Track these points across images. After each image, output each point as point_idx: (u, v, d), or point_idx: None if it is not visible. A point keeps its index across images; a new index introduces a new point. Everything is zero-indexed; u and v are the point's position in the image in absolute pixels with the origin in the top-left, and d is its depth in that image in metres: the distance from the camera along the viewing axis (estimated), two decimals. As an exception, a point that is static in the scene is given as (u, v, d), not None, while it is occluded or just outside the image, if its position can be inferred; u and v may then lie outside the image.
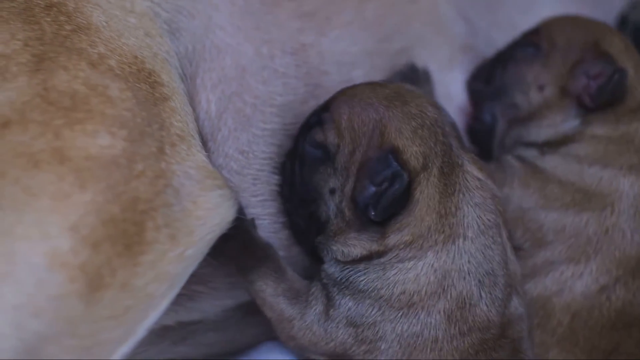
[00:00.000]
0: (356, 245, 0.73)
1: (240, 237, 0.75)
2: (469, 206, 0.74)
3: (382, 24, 0.88)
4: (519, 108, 0.88)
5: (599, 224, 0.82)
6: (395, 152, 0.73)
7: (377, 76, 0.87)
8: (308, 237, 0.78)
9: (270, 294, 0.75)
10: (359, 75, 0.86)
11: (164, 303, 0.67)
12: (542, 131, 0.87)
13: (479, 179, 0.75)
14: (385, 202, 0.71)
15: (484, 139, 0.90)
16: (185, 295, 0.79)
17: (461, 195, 0.74)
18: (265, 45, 0.82)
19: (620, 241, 0.81)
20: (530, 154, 0.87)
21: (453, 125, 0.78)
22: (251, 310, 0.80)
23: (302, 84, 0.84)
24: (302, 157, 0.78)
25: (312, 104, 0.83)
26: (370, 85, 0.80)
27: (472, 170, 0.76)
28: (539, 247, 0.82)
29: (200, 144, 0.74)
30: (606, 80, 0.84)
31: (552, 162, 0.85)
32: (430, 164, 0.74)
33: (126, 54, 0.72)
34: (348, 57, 0.86)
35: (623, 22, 1.05)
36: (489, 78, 0.91)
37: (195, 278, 0.77)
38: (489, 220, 0.74)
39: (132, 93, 0.69)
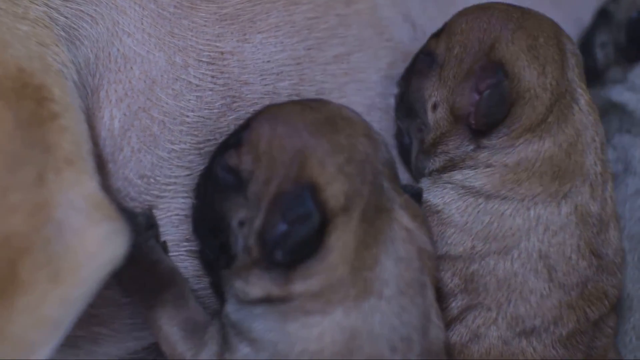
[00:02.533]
0: (257, 284, 0.69)
1: (143, 258, 0.71)
2: (390, 260, 0.69)
3: (314, 29, 0.85)
4: (426, 129, 0.83)
5: (506, 268, 0.77)
6: (313, 189, 0.68)
7: (306, 88, 0.84)
8: (216, 270, 0.74)
9: (166, 322, 0.72)
10: (285, 87, 0.83)
11: (47, 351, 0.63)
12: (438, 160, 0.82)
13: (407, 230, 0.71)
14: (292, 244, 0.66)
15: (406, 162, 0.86)
16: (85, 338, 0.75)
17: (383, 247, 0.70)
18: (179, 53, 0.79)
19: (534, 284, 0.77)
20: (425, 185, 0.82)
21: (389, 162, 0.73)
22: (160, 352, 0.75)
23: (218, 96, 0.80)
24: (213, 181, 0.74)
25: (230, 119, 0.81)
26: (300, 105, 0.75)
27: (401, 217, 0.71)
28: (451, 297, 0.78)
29: (95, 167, 0.69)
30: (488, 94, 0.77)
31: (446, 197, 0.80)
32: (352, 207, 0.69)
33: (10, 68, 0.68)
34: (273, 65, 0.83)
35: (604, 16, 1.00)
36: (403, 93, 0.86)
37: (95, 319, 0.75)
38: (411, 278, 0.70)
39: (12, 113, 0.66)
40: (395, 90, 0.88)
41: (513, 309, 0.76)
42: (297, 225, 0.67)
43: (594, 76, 1.00)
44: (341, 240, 0.68)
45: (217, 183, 0.73)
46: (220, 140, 0.78)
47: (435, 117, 0.81)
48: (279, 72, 0.82)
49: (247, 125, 0.74)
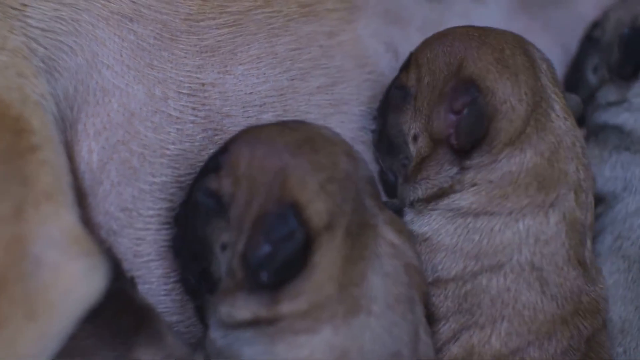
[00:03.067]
0: (243, 307, 0.68)
1: (117, 298, 0.71)
2: (378, 276, 0.69)
3: (297, 60, 0.85)
4: (410, 164, 0.83)
5: (499, 284, 0.77)
6: (295, 208, 0.68)
7: (287, 119, 0.83)
8: (199, 297, 0.74)
9: None
10: (268, 119, 0.83)
11: (24, 388, 0.62)
12: (419, 188, 0.81)
13: (393, 245, 0.71)
14: (277, 264, 0.66)
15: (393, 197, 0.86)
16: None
17: (369, 263, 0.70)
18: (158, 85, 0.78)
19: (527, 298, 0.76)
20: (409, 217, 0.81)
21: (370, 180, 0.74)
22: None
23: (199, 129, 0.80)
24: (194, 206, 0.74)
25: (212, 152, 0.80)
26: (279, 126, 0.76)
27: (386, 233, 0.71)
28: (444, 320, 0.78)
29: (74, 201, 0.69)
30: (467, 112, 0.77)
31: (434, 224, 0.79)
32: (335, 224, 0.69)
33: (-13, 99, 0.67)
34: (256, 97, 0.83)
35: (590, 42, 1.03)
36: (381, 130, 0.86)
37: (78, 352, 0.74)
38: (399, 293, 0.70)
39: (-10, 144, 0.65)
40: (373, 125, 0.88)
41: (507, 324, 0.76)
42: (281, 245, 0.67)
43: (589, 100, 1.02)
44: (326, 258, 0.68)
45: (198, 208, 0.73)
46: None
47: (417, 147, 0.82)
48: (261, 103, 0.82)
49: (225, 148, 0.75)
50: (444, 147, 0.79)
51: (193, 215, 0.74)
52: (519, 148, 0.78)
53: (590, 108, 0.98)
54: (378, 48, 0.90)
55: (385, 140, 0.85)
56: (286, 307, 0.67)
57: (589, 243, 0.80)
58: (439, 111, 0.79)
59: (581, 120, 0.91)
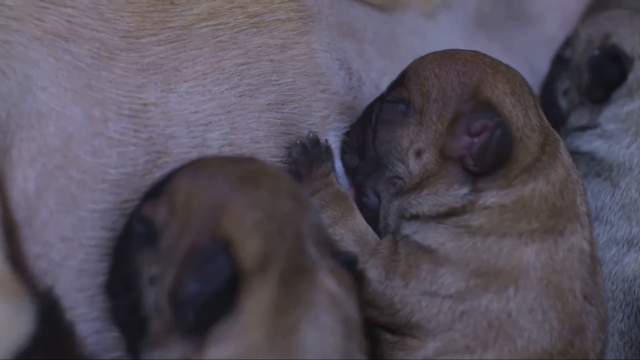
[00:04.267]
0: (174, 351, 0.66)
1: (47, 345, 0.68)
2: (312, 327, 0.66)
3: (245, 75, 0.83)
4: (403, 180, 0.82)
5: (500, 307, 0.76)
6: (227, 245, 0.65)
7: (239, 137, 0.82)
8: (132, 335, 0.71)
9: None
10: (215, 138, 0.81)
11: None
12: (425, 203, 0.80)
13: (331, 295, 0.68)
14: (202, 303, 0.64)
15: (373, 222, 0.85)
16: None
17: (303, 312, 0.66)
18: (97, 107, 0.77)
19: (525, 326, 0.75)
20: (412, 229, 0.80)
21: (317, 227, 0.71)
22: None
23: (142, 152, 0.78)
24: (127, 233, 0.72)
25: (157, 176, 0.78)
26: (224, 160, 0.75)
27: (326, 282, 0.68)
28: (430, 337, 0.77)
29: (3, 234, 0.65)
30: (489, 137, 0.77)
31: (440, 238, 0.79)
32: (269, 266, 0.66)
33: None
34: (201, 116, 0.80)
35: (561, 63, 1.01)
36: (362, 149, 0.84)
37: None
38: (336, 346, 0.67)
39: None
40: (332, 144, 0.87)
41: (497, 352, 0.75)
42: (208, 283, 0.64)
43: (560, 124, 1.00)
44: (256, 302, 0.65)
45: (130, 235, 0.71)
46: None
47: (422, 162, 0.81)
48: (207, 122, 0.80)
49: (168, 176, 0.73)
50: (456, 166, 0.79)
51: (126, 243, 0.72)
52: (533, 175, 0.79)
53: (562, 133, 0.96)
54: (332, 64, 0.88)
55: (371, 158, 0.84)
56: (213, 352, 0.64)
57: (600, 279, 0.80)
58: (455, 130, 0.79)
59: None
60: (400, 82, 0.84)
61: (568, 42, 1.01)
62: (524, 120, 0.80)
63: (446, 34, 1.01)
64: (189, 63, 0.81)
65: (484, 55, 0.85)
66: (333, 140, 0.88)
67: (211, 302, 0.64)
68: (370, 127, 0.84)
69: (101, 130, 0.77)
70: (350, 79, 0.90)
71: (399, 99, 0.83)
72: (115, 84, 0.78)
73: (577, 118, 0.97)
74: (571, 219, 0.80)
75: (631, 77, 0.93)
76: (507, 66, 0.84)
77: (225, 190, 0.69)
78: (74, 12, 0.78)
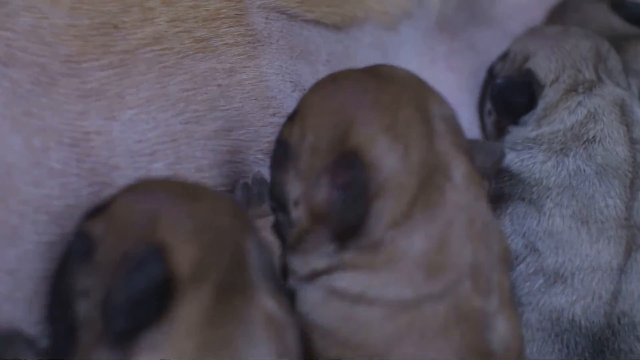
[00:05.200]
0: None
1: None
2: (246, 343, 0.65)
3: (191, 101, 0.82)
4: (292, 226, 0.77)
5: None
6: (160, 249, 0.64)
7: (184, 167, 0.81)
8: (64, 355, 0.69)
9: None
10: (160, 168, 0.80)
11: None
12: (297, 260, 0.75)
13: (270, 315, 0.67)
14: (130, 308, 0.62)
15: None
16: None
17: (238, 327, 0.65)
18: (38, 135, 0.76)
19: None
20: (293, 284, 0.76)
21: (260, 250, 0.69)
22: None
23: (85, 183, 0.78)
24: (66, 251, 0.72)
25: None
26: (167, 181, 0.75)
27: (265, 302, 0.67)
28: None
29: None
30: (343, 193, 0.70)
31: (310, 301, 0.74)
32: (204, 277, 0.65)
33: None
34: (145, 145, 0.80)
35: (491, 77, 1.01)
36: (272, 185, 0.81)
37: None
38: None
39: None
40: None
41: None
42: (137, 286, 0.63)
43: None
44: (189, 311, 0.64)
45: (67, 250, 0.71)
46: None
47: (298, 214, 0.75)
48: (152, 152, 0.80)
49: (111, 197, 0.72)
50: (324, 224, 0.72)
51: (62, 262, 0.72)
52: (404, 231, 0.71)
53: None
54: (283, 87, 0.88)
55: (275, 198, 0.79)
56: None
57: (500, 327, 0.73)
58: (320, 184, 0.72)
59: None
60: (292, 116, 0.78)
61: (504, 55, 0.99)
62: (400, 162, 0.72)
63: (408, 44, 1.01)
64: (132, 89, 0.80)
65: (375, 74, 0.77)
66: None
67: (140, 307, 0.62)
68: (271, 166, 0.80)
69: (42, 160, 0.76)
70: None
71: (280, 140, 0.78)
72: (56, 111, 0.78)
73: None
74: (454, 275, 0.72)
75: (540, 105, 0.91)
76: (399, 84, 0.76)
77: (163, 202, 0.67)
78: (13, 36, 0.77)
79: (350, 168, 0.71)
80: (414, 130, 0.74)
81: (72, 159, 0.77)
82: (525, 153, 0.90)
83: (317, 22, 0.94)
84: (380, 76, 0.77)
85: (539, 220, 0.87)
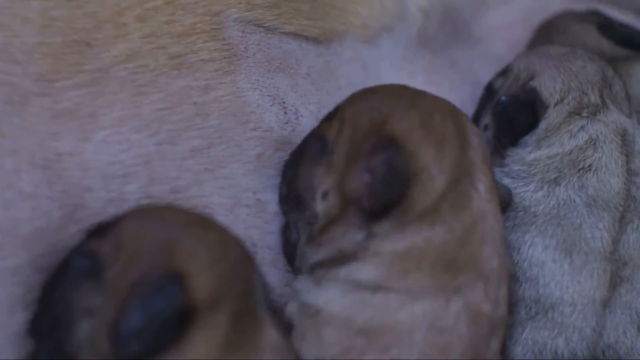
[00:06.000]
0: None
1: None
2: None
3: (165, 121, 0.82)
4: (315, 222, 0.80)
5: None
6: (179, 276, 0.67)
7: (159, 189, 0.81)
8: None
9: None
10: (133, 191, 0.80)
11: None
12: (322, 250, 0.78)
13: (276, 346, 0.71)
14: (149, 332, 0.64)
15: (290, 260, 0.84)
16: None
17: (250, 354, 0.69)
18: (9, 157, 0.76)
19: None
20: (305, 285, 0.79)
21: (263, 285, 0.73)
22: None
23: (57, 205, 0.77)
24: (67, 268, 0.72)
25: (73, 230, 0.77)
26: (171, 207, 0.77)
27: (272, 333, 0.71)
28: None
29: None
30: (382, 173, 0.74)
31: (329, 295, 0.76)
32: (221, 305, 0.68)
33: None
34: (119, 167, 0.80)
35: (490, 92, 1.01)
36: (289, 181, 0.84)
37: None
38: None
39: None
40: (269, 181, 0.87)
41: None
42: (158, 312, 0.65)
43: None
44: (206, 337, 0.67)
45: (71, 269, 0.72)
46: (61, 255, 0.75)
47: (326, 205, 0.79)
48: (125, 174, 0.80)
49: (113, 220, 0.74)
50: (355, 208, 0.76)
51: (63, 278, 0.72)
52: (430, 222, 0.75)
53: None
54: (262, 101, 0.88)
55: (294, 194, 0.83)
56: None
57: (494, 342, 0.76)
58: (354, 169, 0.76)
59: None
60: (330, 116, 0.84)
61: (504, 71, 0.99)
62: (434, 157, 0.77)
63: (388, 59, 1.01)
64: (106, 109, 0.80)
65: (411, 89, 0.83)
66: (271, 175, 0.88)
67: (157, 332, 0.65)
68: (297, 162, 0.84)
69: (13, 182, 0.76)
70: (285, 113, 0.90)
71: (318, 134, 0.83)
72: (28, 131, 0.77)
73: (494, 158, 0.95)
74: (471, 275, 0.76)
75: (542, 125, 0.91)
76: (433, 98, 0.82)
77: (176, 230, 0.70)
78: (-17, 55, 0.77)
79: (386, 150, 0.75)
80: (448, 134, 0.79)
81: (44, 180, 0.77)
82: (519, 181, 0.90)
83: (296, 35, 0.94)
84: (417, 91, 0.83)
85: (519, 251, 0.87)
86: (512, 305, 0.85)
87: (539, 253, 0.86)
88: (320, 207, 0.80)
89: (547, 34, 1.08)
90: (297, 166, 0.83)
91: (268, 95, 0.89)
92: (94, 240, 0.72)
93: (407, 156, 0.76)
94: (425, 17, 1.04)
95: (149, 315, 0.65)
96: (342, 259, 0.77)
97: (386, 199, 0.75)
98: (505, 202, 0.86)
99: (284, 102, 0.91)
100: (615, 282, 0.86)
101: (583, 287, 0.85)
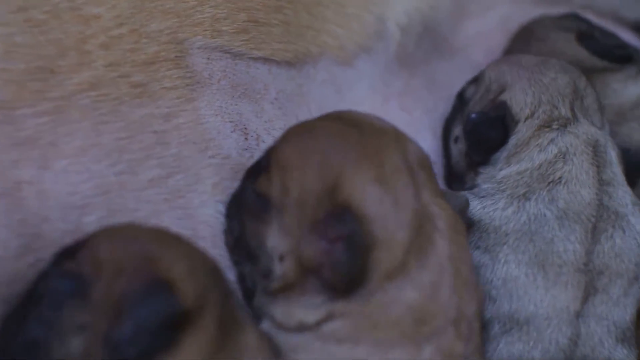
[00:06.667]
0: None
1: None
2: None
3: (126, 150, 0.83)
4: (271, 280, 0.81)
5: None
6: (167, 285, 0.71)
7: (117, 220, 0.81)
8: None
9: None
10: (91, 222, 0.81)
11: None
12: (279, 312, 0.79)
13: (258, 346, 0.74)
14: (143, 339, 0.68)
15: (249, 304, 0.85)
16: None
17: (238, 355, 0.73)
18: None
19: None
20: (268, 329, 0.80)
21: (233, 292, 0.77)
22: None
23: (14, 234, 0.78)
24: (46, 291, 0.73)
25: (31, 260, 0.78)
26: (133, 226, 0.78)
27: (251, 332, 0.75)
28: None
29: None
30: (342, 249, 0.74)
31: (293, 343, 0.78)
32: (207, 309, 0.72)
33: None
34: (78, 197, 0.81)
35: (461, 101, 1.01)
36: (236, 235, 0.85)
37: None
38: None
39: None
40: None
41: None
42: (150, 320, 0.69)
43: (454, 179, 0.99)
44: (196, 341, 0.71)
45: (52, 291, 0.73)
46: (21, 284, 0.76)
47: (283, 268, 0.78)
48: (84, 204, 0.81)
49: (77, 244, 0.75)
50: (315, 276, 0.76)
51: (42, 302, 0.73)
52: (398, 281, 0.75)
53: (455, 187, 0.97)
54: (222, 128, 0.89)
55: (244, 245, 0.82)
56: None
57: None
58: (310, 239, 0.76)
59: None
60: (265, 166, 0.81)
61: (476, 78, 1.00)
62: (393, 214, 0.76)
63: (365, 80, 1.02)
64: (67, 138, 0.81)
65: (351, 122, 0.80)
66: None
67: (152, 337, 0.68)
68: (240, 215, 0.83)
69: (-27, 211, 0.76)
70: (246, 139, 0.91)
71: (259, 192, 0.80)
72: (-11, 160, 0.78)
73: (469, 176, 0.96)
74: (441, 321, 0.77)
75: (512, 140, 0.92)
76: (378, 134, 0.80)
77: (150, 244, 0.73)
78: (-54, 80, 0.77)
79: (344, 222, 0.74)
80: (401, 180, 0.78)
81: (3, 209, 0.78)
82: (488, 200, 0.91)
83: (266, 60, 0.95)
84: (357, 125, 0.80)
85: (493, 269, 0.88)
86: (485, 323, 0.87)
87: (512, 269, 0.87)
88: (278, 267, 0.78)
89: (525, 41, 1.09)
90: (242, 220, 0.83)
91: (230, 122, 0.91)
92: (70, 262, 0.74)
93: (366, 222, 0.75)
94: (404, 34, 1.05)
95: (143, 321, 0.69)
96: (301, 327, 0.77)
97: (352, 274, 0.75)
98: (462, 211, 0.86)
99: (245, 128, 0.92)
100: (588, 293, 0.87)
101: (557, 300, 0.86)
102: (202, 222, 0.87)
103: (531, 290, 0.87)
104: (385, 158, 0.78)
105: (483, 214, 0.90)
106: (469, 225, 0.89)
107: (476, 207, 0.91)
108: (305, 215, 0.76)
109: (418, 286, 0.76)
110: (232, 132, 0.90)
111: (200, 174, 0.87)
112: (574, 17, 1.09)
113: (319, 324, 0.77)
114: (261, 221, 0.80)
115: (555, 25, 1.08)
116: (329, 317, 0.76)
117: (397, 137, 0.82)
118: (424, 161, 0.82)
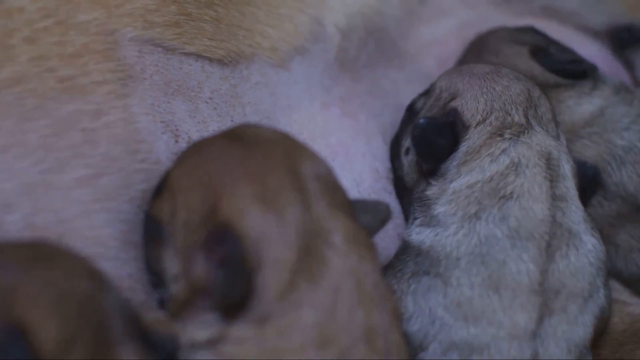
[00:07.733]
0: None
1: None
2: None
3: (52, 149, 0.81)
4: (169, 301, 0.79)
5: None
6: (24, 328, 0.65)
7: (44, 217, 0.80)
8: None
9: None
10: (15, 221, 0.79)
11: None
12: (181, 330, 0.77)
13: None
14: None
15: None
16: None
17: None
18: None
19: None
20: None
21: (122, 306, 0.72)
22: None
23: None
24: None
25: None
26: (13, 244, 0.73)
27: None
28: None
29: None
30: (223, 268, 0.73)
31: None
32: (72, 349, 0.66)
33: None
34: (1, 197, 0.79)
35: (411, 113, 0.99)
36: (145, 260, 0.83)
37: None
38: None
39: None
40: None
41: None
42: None
43: (405, 193, 0.97)
44: None
45: None
46: None
47: (176, 288, 0.77)
48: (7, 204, 0.79)
49: None
50: (205, 297, 0.75)
51: None
52: (292, 303, 0.74)
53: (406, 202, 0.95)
54: (153, 128, 0.87)
55: (153, 274, 0.81)
56: None
57: None
58: (196, 259, 0.75)
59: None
60: (160, 188, 0.81)
61: (427, 91, 0.98)
62: (276, 232, 0.74)
63: (301, 84, 1.00)
64: (-10, 137, 0.79)
65: (239, 138, 0.79)
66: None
67: None
68: (143, 241, 0.82)
69: None
70: (176, 142, 0.88)
71: (152, 218, 0.80)
72: None
73: (413, 185, 0.95)
74: (347, 340, 0.74)
75: (462, 148, 0.90)
76: (267, 147, 0.78)
77: (16, 274, 0.68)
78: None
79: (224, 243, 0.73)
80: (285, 196, 0.76)
81: None
82: (439, 227, 0.88)
83: (198, 56, 0.92)
84: (244, 140, 0.79)
85: (445, 293, 0.86)
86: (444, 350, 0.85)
87: (465, 291, 0.85)
88: (174, 288, 0.77)
89: (477, 54, 1.08)
90: (145, 247, 0.82)
91: (161, 122, 0.88)
92: None
93: (248, 242, 0.74)
94: (344, 37, 1.03)
95: None
96: (199, 345, 0.75)
97: (234, 296, 0.73)
98: (383, 221, 0.84)
99: (177, 129, 0.89)
100: (543, 314, 0.85)
101: (516, 321, 0.84)
102: (134, 228, 0.84)
103: (488, 312, 0.85)
104: (269, 173, 0.76)
105: (434, 242, 0.88)
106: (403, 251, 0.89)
107: (428, 235, 0.89)
108: (192, 237, 0.76)
109: (314, 306, 0.74)
110: (162, 133, 0.88)
111: (131, 178, 0.85)
112: (531, 30, 1.08)
113: (213, 343, 0.75)
114: (158, 246, 0.79)
115: (510, 38, 1.07)
116: (222, 338, 0.74)
117: (288, 152, 0.79)
118: (322, 174, 0.80)
